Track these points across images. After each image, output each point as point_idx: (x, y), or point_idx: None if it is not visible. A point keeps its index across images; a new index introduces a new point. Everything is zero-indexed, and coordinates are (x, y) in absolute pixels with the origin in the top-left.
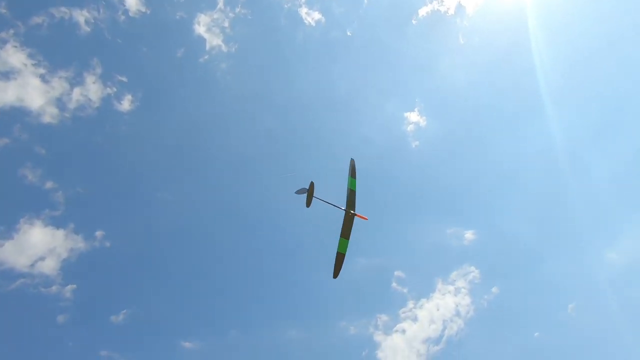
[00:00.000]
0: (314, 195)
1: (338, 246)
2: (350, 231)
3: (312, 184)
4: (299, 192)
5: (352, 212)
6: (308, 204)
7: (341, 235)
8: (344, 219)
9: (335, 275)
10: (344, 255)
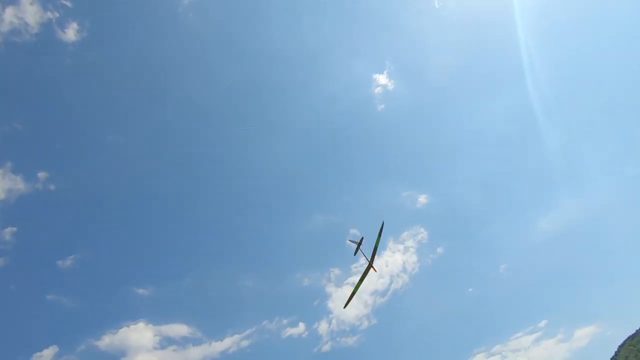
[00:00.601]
0: (360, 247)
1: (355, 287)
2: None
3: (362, 239)
4: (352, 241)
5: (372, 266)
6: (355, 252)
7: (359, 280)
8: (366, 270)
9: (345, 306)
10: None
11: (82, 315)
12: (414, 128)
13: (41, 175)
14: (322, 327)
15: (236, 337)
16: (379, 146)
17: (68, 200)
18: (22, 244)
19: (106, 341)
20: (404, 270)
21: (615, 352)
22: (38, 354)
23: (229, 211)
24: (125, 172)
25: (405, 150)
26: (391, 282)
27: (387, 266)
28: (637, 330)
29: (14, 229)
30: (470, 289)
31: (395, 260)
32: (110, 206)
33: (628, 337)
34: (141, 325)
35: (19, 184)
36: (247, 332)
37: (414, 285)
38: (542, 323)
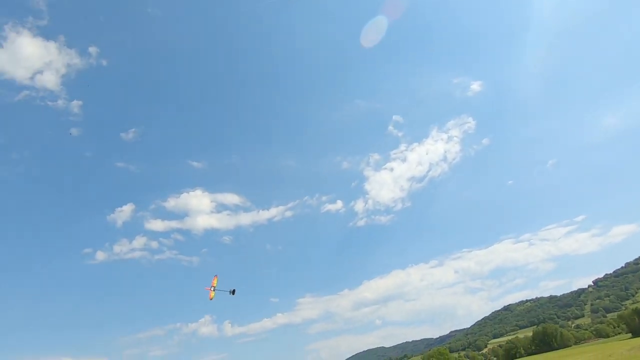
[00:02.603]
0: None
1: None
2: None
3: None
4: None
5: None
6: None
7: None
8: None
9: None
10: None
11: (147, 181)
12: (472, 3)
13: (92, 50)
14: (359, 205)
15: (280, 207)
16: (429, 25)
17: (121, 75)
18: (89, 116)
19: (171, 203)
20: (444, 159)
21: None
22: (119, 209)
23: (274, 91)
24: (168, 45)
25: (460, 30)
26: (429, 170)
27: (427, 154)
28: None
29: (80, 102)
30: (510, 182)
31: (436, 149)
32: (159, 80)
33: None
34: (198, 192)
35: (75, 59)
36: (290, 204)
37: (453, 174)
38: (579, 218)
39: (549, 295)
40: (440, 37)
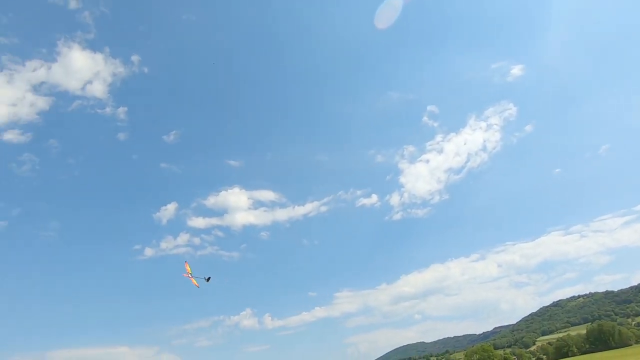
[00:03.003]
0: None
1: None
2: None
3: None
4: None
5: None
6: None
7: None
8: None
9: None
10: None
11: (189, 180)
12: None
13: (134, 58)
14: (394, 199)
15: (315, 203)
16: (463, 7)
17: (161, 80)
18: (134, 120)
19: (211, 201)
20: (484, 148)
21: None
22: (164, 207)
23: (305, 88)
24: (202, 48)
25: (497, 10)
26: (467, 160)
27: (465, 144)
28: None
29: (125, 108)
30: (557, 170)
31: (474, 139)
32: (195, 84)
33: None
34: (236, 189)
35: (119, 68)
36: (325, 199)
37: (493, 164)
38: (639, 207)
39: (604, 290)
40: (477, 20)
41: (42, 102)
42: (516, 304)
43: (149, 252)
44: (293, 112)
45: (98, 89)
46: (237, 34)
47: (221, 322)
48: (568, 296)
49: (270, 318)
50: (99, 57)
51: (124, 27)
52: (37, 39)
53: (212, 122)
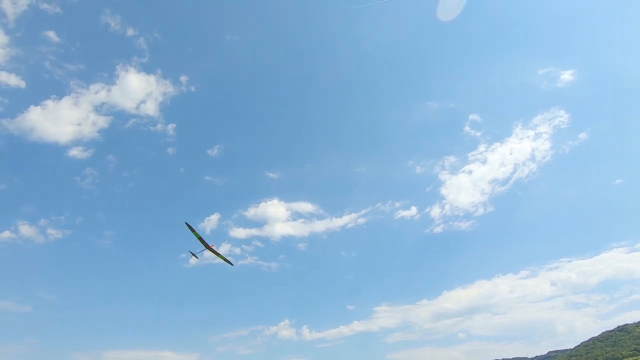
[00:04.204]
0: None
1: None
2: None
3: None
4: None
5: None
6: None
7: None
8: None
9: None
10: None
11: (230, 192)
12: None
13: (183, 78)
14: (435, 211)
15: (353, 215)
16: (510, 8)
17: (206, 98)
18: (181, 136)
19: (251, 212)
20: (532, 158)
21: None
22: (207, 218)
23: (341, 98)
24: (244, 66)
25: (547, 14)
26: (514, 171)
27: (510, 154)
28: None
29: (174, 125)
30: (618, 180)
31: (522, 148)
32: (238, 100)
33: None
34: (275, 201)
35: (169, 88)
36: (363, 211)
37: (543, 175)
38: None
39: None
40: (521, 23)
41: (102, 121)
42: (574, 327)
43: (193, 260)
44: (330, 124)
45: (150, 108)
46: (276, 50)
47: (260, 332)
48: (636, 320)
49: (308, 330)
50: (151, 78)
51: (174, 50)
52: (100, 64)
53: (253, 136)
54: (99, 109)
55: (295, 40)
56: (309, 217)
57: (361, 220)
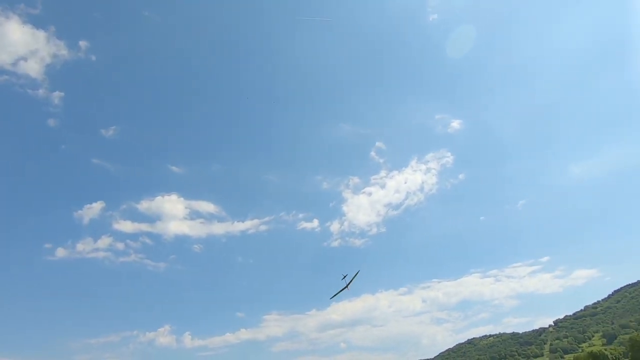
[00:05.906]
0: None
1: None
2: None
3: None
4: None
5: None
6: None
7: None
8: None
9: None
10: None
11: (122, 180)
12: (463, 45)
13: (82, 44)
14: (334, 226)
15: (256, 221)
16: (422, 60)
17: (109, 72)
18: (69, 108)
19: (144, 205)
20: (421, 189)
21: (609, 294)
22: (88, 205)
23: (262, 105)
24: (161, 49)
25: (447, 70)
26: (406, 198)
27: (405, 183)
28: (639, 280)
29: (62, 93)
30: (482, 217)
31: (414, 179)
32: (147, 83)
33: (627, 285)
34: (174, 197)
35: (63, 50)
36: (266, 218)
37: (428, 205)
38: (544, 259)
39: (511, 331)
40: (428, 73)
41: None
42: (435, 340)
43: (61, 252)
44: (247, 128)
45: (33, 68)
46: (198, 39)
47: (134, 338)
48: (481, 335)
49: (190, 337)
50: (40, 34)
51: (78, 9)
52: None
53: (159, 123)
54: None
55: (225, 34)
56: (209, 217)
57: (263, 227)
